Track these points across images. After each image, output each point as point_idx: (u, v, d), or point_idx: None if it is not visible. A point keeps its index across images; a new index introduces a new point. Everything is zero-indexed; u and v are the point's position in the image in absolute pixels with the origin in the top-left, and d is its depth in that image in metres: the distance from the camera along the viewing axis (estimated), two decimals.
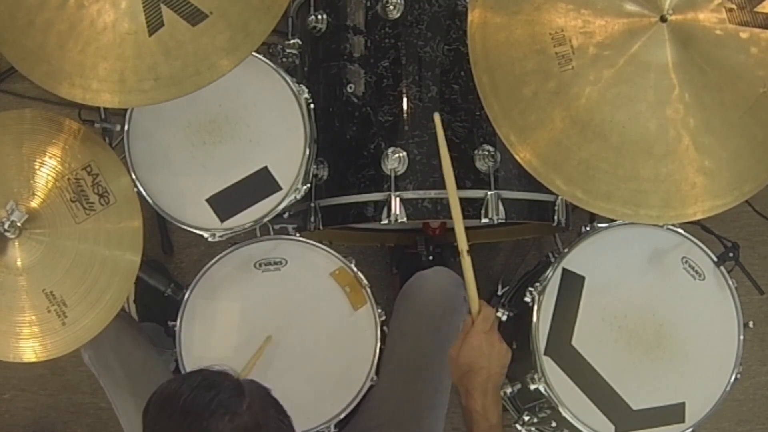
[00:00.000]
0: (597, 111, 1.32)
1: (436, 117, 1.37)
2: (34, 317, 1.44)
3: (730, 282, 1.57)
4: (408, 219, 1.56)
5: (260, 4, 1.39)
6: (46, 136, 1.50)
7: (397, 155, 1.57)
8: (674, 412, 1.51)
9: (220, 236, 1.60)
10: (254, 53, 1.52)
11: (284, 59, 1.73)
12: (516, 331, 1.63)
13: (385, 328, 1.61)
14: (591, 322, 1.54)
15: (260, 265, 1.62)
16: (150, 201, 1.58)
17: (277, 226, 1.78)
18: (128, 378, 1.58)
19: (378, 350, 1.57)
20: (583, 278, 1.56)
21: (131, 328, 1.68)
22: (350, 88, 1.65)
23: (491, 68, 1.36)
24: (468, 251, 1.33)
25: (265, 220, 1.60)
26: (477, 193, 1.57)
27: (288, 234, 1.69)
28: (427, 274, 1.67)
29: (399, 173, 1.58)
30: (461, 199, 1.54)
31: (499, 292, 2.02)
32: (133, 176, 1.56)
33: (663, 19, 1.32)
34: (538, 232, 2.02)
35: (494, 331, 1.32)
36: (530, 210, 1.65)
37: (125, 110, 1.60)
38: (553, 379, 1.51)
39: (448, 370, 1.55)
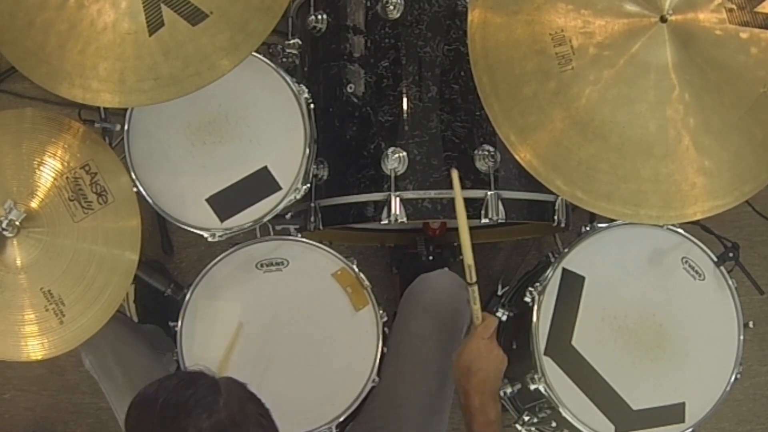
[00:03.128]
0: (597, 111, 1.32)
1: (454, 173, 1.38)
2: (32, 316, 1.44)
3: (730, 282, 1.57)
4: (408, 219, 1.56)
5: (260, 4, 1.39)
6: (46, 135, 1.50)
7: (397, 155, 1.57)
8: (674, 412, 1.51)
9: (220, 236, 1.60)
10: (254, 53, 1.52)
11: (284, 59, 1.73)
12: (516, 331, 1.63)
13: (386, 329, 1.61)
14: (591, 322, 1.54)
15: (262, 265, 1.61)
16: (150, 201, 1.58)
17: (279, 227, 1.78)
18: (128, 381, 1.58)
19: (379, 351, 1.57)
20: (583, 278, 1.56)
21: (130, 332, 1.68)
22: (350, 88, 1.65)
23: (491, 68, 1.36)
24: (476, 282, 1.40)
25: (265, 220, 1.60)
26: (477, 193, 1.57)
27: (290, 234, 1.69)
28: (430, 276, 1.68)
29: (399, 173, 1.58)
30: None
31: (499, 292, 2.02)
32: (133, 176, 1.56)
33: (663, 20, 1.32)
34: (538, 232, 2.02)
35: (493, 339, 1.40)
36: (530, 210, 1.65)
37: (125, 110, 1.60)
38: (553, 379, 1.51)
39: (449, 372, 1.55)
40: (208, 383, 1.07)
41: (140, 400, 1.08)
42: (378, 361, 1.57)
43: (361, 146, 1.62)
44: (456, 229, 1.48)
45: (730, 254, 1.57)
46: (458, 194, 1.37)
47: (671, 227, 1.58)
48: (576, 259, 1.56)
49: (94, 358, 1.60)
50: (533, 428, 1.72)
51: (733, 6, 1.32)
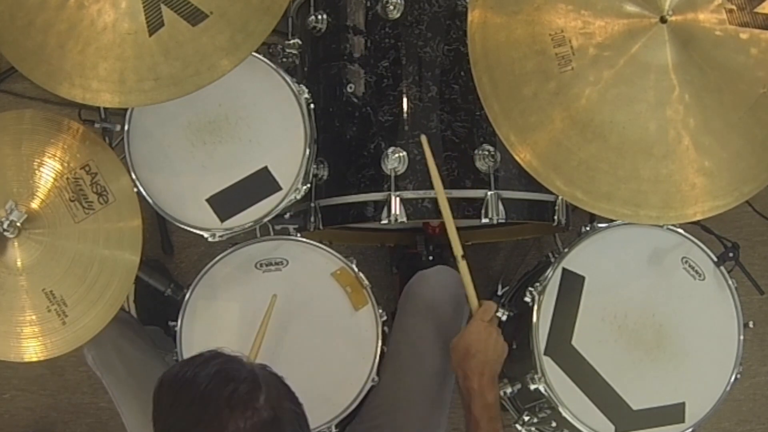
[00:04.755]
0: (597, 112, 1.33)
1: (423, 139, 1.48)
2: (34, 317, 1.44)
3: (730, 282, 1.57)
4: (408, 219, 1.56)
5: (260, 4, 1.39)
6: (45, 136, 1.49)
7: (397, 155, 1.57)
8: (674, 412, 1.51)
9: (220, 236, 1.60)
10: (254, 53, 1.52)
11: (284, 59, 1.73)
12: (516, 331, 1.63)
13: (385, 328, 1.61)
14: (591, 322, 1.54)
15: (261, 265, 1.62)
16: (150, 201, 1.58)
17: (278, 227, 1.78)
18: (131, 377, 1.58)
19: (379, 350, 1.57)
20: (583, 278, 1.56)
21: (133, 329, 1.68)
22: (350, 88, 1.65)
23: (491, 68, 1.36)
24: (463, 256, 1.42)
25: (265, 220, 1.60)
26: (477, 193, 1.57)
27: (289, 234, 1.69)
28: (428, 273, 1.68)
29: (399, 173, 1.58)
30: (461, 199, 1.56)
31: (499, 292, 2.02)
32: (133, 176, 1.56)
33: (663, 20, 1.32)
34: (538, 232, 2.02)
35: (493, 323, 1.42)
36: (530, 210, 1.65)
37: (125, 110, 1.60)
38: (553, 379, 1.51)
39: (449, 369, 1.55)
40: (250, 377, 1.05)
41: (176, 380, 1.06)
42: (377, 360, 1.57)
43: (361, 146, 1.62)
44: (456, 229, 1.48)
45: (730, 254, 1.57)
46: (431, 161, 1.40)
47: (671, 227, 1.58)
48: (576, 259, 1.56)
49: (97, 354, 1.60)
50: (533, 428, 1.72)
51: (733, 6, 1.32)
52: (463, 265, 1.43)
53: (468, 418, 1.38)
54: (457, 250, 1.43)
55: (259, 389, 1.04)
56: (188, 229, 1.60)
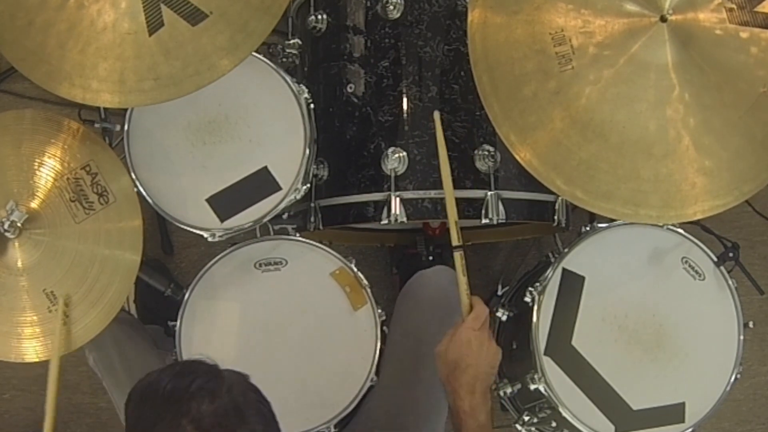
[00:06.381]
0: (597, 111, 1.33)
1: (436, 115, 1.42)
2: (35, 317, 1.44)
3: (730, 282, 1.57)
4: (408, 219, 1.56)
5: (260, 4, 1.39)
6: (45, 136, 1.50)
7: (397, 155, 1.57)
8: (674, 412, 1.51)
9: (220, 236, 1.60)
10: (254, 53, 1.52)
11: (284, 59, 1.73)
12: (516, 331, 1.63)
13: (385, 328, 1.61)
14: (591, 322, 1.54)
15: (260, 265, 1.62)
16: (150, 201, 1.58)
17: (277, 227, 1.78)
18: (130, 379, 1.58)
19: (378, 350, 1.57)
20: (583, 278, 1.56)
21: (134, 330, 1.68)
22: (350, 88, 1.65)
23: (491, 68, 1.36)
24: (458, 247, 1.34)
25: (265, 220, 1.60)
26: (477, 193, 1.57)
27: (288, 234, 1.69)
28: (427, 273, 1.67)
29: (399, 173, 1.58)
30: (461, 199, 1.56)
31: (499, 292, 2.02)
32: (133, 176, 1.56)
33: (663, 19, 1.32)
34: (538, 232, 2.02)
35: (485, 329, 1.31)
36: (530, 210, 1.65)
37: (125, 110, 1.60)
38: (553, 379, 1.51)
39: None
40: (210, 370, 1.05)
41: (141, 387, 1.07)
42: (376, 360, 1.57)
43: (361, 146, 1.62)
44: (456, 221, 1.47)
45: (730, 254, 1.57)
46: (441, 140, 1.37)
47: (671, 227, 1.58)
48: (576, 259, 1.56)
49: (98, 356, 1.60)
50: (533, 428, 1.72)
51: (733, 5, 1.32)
52: (457, 256, 1.33)
53: None
54: (454, 239, 1.33)
55: (222, 380, 1.03)
56: (188, 229, 1.60)
